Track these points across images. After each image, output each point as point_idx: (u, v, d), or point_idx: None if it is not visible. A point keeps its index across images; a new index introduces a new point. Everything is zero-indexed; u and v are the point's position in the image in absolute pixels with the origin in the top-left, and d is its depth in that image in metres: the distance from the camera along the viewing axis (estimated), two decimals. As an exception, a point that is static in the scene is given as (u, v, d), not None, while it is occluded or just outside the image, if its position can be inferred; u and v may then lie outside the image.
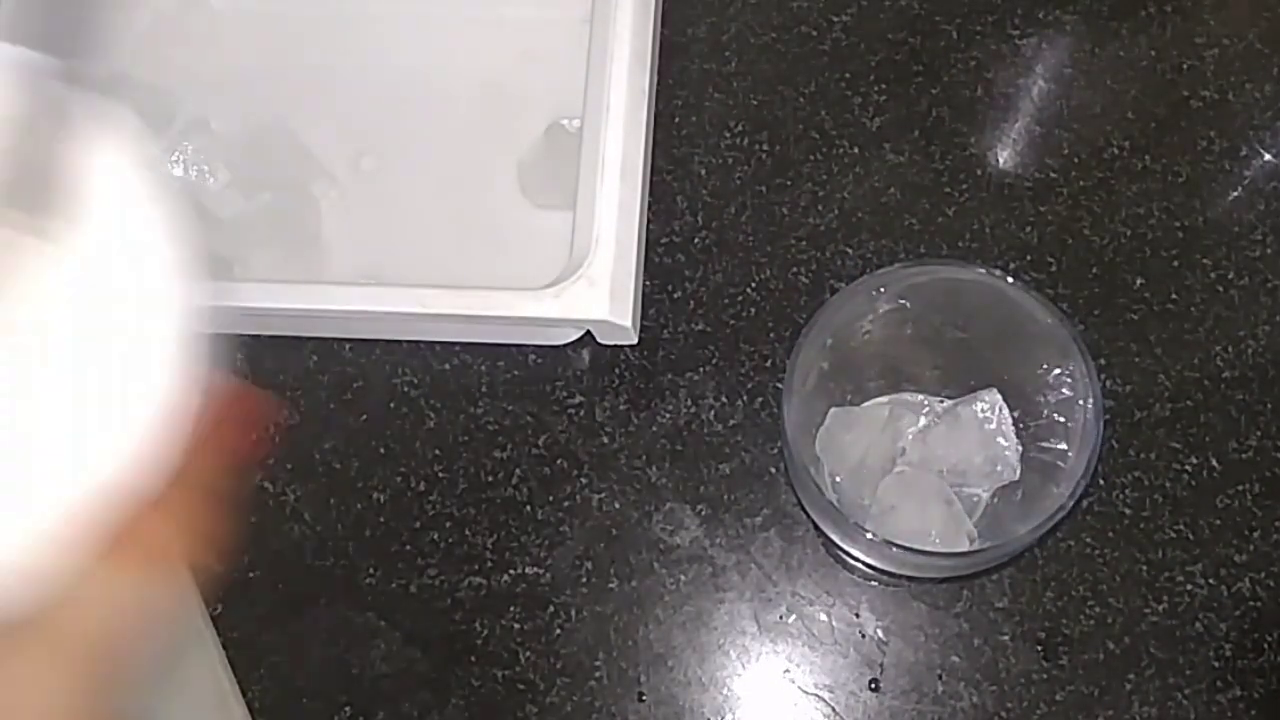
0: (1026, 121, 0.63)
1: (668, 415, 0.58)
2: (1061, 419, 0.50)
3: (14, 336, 0.31)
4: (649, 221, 0.59)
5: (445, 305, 0.52)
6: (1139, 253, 0.60)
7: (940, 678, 0.54)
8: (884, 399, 0.56)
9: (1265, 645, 0.54)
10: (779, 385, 0.51)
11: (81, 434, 0.31)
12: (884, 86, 0.63)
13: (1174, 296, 0.59)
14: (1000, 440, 0.53)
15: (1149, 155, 0.61)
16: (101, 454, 0.30)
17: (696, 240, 0.61)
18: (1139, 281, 0.59)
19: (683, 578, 0.56)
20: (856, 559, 0.53)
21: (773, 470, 0.57)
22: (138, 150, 0.32)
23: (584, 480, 0.57)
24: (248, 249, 0.60)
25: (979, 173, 0.62)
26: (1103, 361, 0.57)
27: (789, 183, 0.62)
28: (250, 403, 0.33)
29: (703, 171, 0.62)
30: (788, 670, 0.54)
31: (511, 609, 0.55)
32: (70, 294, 0.32)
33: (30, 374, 0.31)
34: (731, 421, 0.58)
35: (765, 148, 0.62)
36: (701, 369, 0.59)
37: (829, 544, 0.54)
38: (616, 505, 0.57)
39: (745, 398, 0.58)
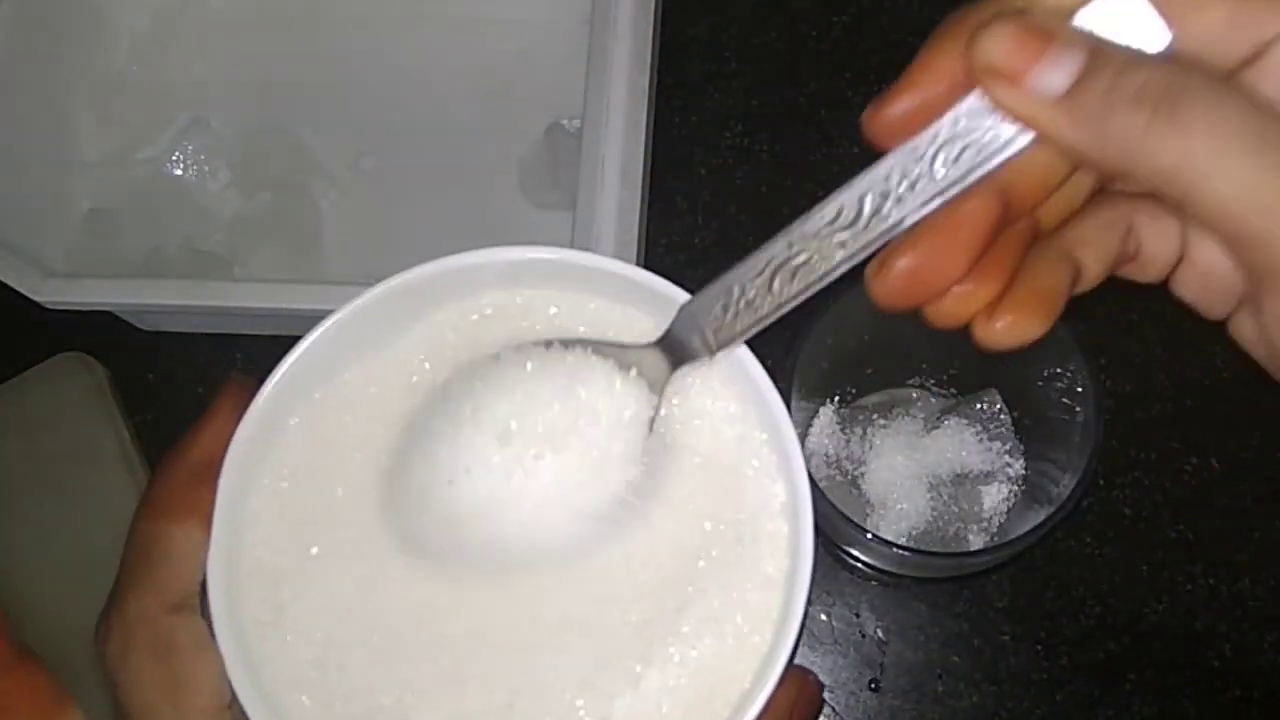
0: (1026, 121, 0.63)
1: (668, 415, 0.58)
2: (1062, 419, 0.50)
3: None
4: (649, 221, 0.59)
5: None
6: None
7: (940, 678, 0.54)
8: (884, 399, 0.56)
9: (1265, 645, 0.54)
10: (779, 385, 0.51)
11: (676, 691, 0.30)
12: (884, 86, 0.63)
13: (1174, 296, 0.59)
14: (1000, 440, 0.53)
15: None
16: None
17: (696, 240, 0.61)
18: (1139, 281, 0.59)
19: (683, 578, 0.56)
20: (856, 559, 0.53)
21: (773, 470, 0.57)
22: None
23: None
24: (248, 249, 0.60)
25: (979, 172, 0.61)
26: (1103, 361, 0.57)
27: (789, 183, 0.62)
28: (816, 692, 0.32)
29: (703, 171, 0.62)
30: (788, 670, 0.54)
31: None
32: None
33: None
34: (731, 421, 0.58)
35: (765, 148, 0.62)
36: (701, 369, 0.59)
37: (828, 544, 0.54)
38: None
39: (745, 398, 0.58)
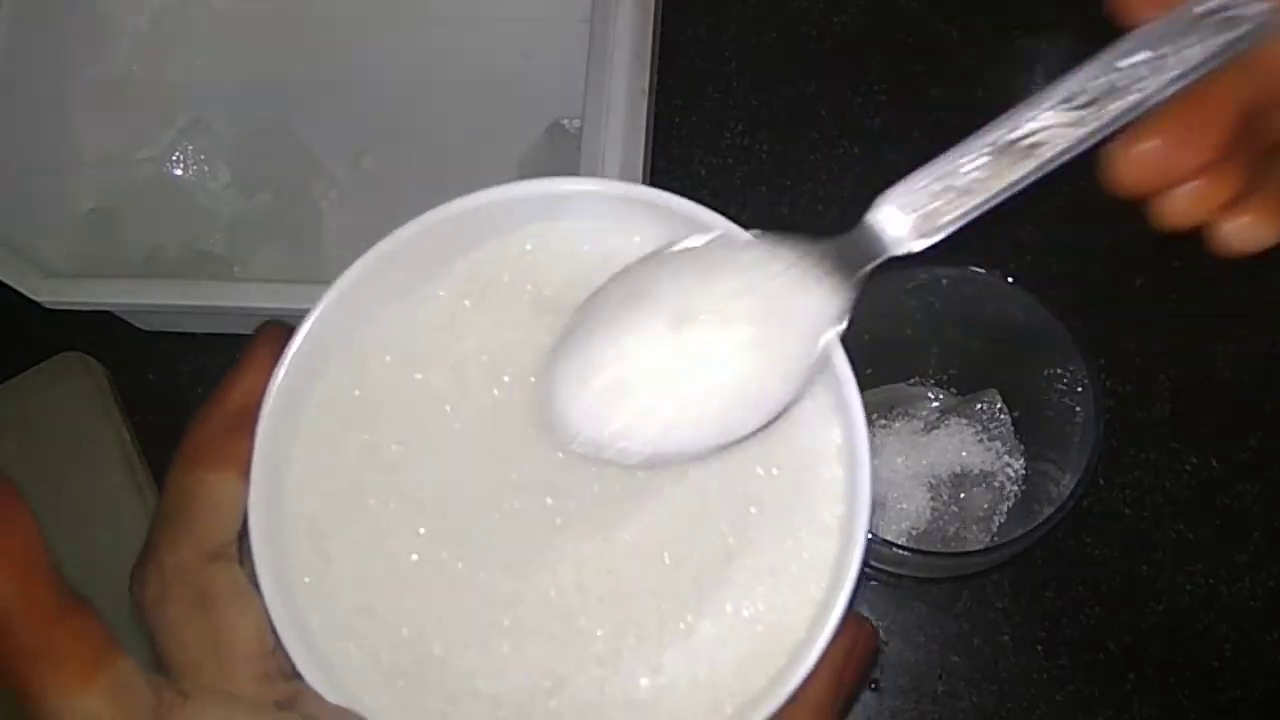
0: (1027, 121, 0.63)
1: (668, 415, 0.58)
2: (1061, 419, 0.49)
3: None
4: (649, 221, 0.59)
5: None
6: (1139, 253, 0.59)
7: (940, 678, 0.54)
8: (884, 397, 0.55)
9: (1265, 645, 0.54)
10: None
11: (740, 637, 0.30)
12: (884, 86, 0.63)
13: (1174, 296, 0.59)
14: (1000, 440, 0.53)
15: (1149, 155, 0.61)
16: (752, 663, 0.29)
17: (696, 240, 0.61)
18: (1139, 281, 0.59)
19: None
20: (856, 559, 0.53)
21: (773, 470, 0.57)
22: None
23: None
24: (248, 249, 0.60)
25: (979, 172, 0.61)
26: (1103, 362, 0.57)
27: (789, 183, 0.62)
28: (872, 640, 0.31)
29: (703, 171, 0.62)
30: (788, 670, 0.54)
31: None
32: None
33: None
34: (731, 421, 0.58)
35: (765, 148, 0.62)
36: (701, 369, 0.58)
37: (829, 544, 0.54)
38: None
39: (745, 398, 0.58)
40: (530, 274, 0.32)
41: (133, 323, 0.59)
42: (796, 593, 0.29)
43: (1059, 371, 0.49)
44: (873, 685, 0.54)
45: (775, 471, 0.31)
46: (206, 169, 0.61)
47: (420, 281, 0.32)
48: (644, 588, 0.30)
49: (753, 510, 0.30)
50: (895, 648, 0.54)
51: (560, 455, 0.31)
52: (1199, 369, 0.58)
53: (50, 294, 0.51)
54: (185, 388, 0.60)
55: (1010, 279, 0.49)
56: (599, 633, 0.30)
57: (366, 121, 0.62)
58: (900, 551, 0.46)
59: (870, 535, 0.45)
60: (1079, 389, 0.48)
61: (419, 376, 0.32)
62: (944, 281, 0.50)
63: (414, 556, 0.30)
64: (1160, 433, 0.57)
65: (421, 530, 0.30)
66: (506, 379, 0.32)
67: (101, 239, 0.59)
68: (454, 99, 0.62)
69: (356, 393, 0.31)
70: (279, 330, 0.30)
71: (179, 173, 0.61)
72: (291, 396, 0.30)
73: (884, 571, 0.54)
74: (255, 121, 0.62)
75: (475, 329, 0.32)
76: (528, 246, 0.32)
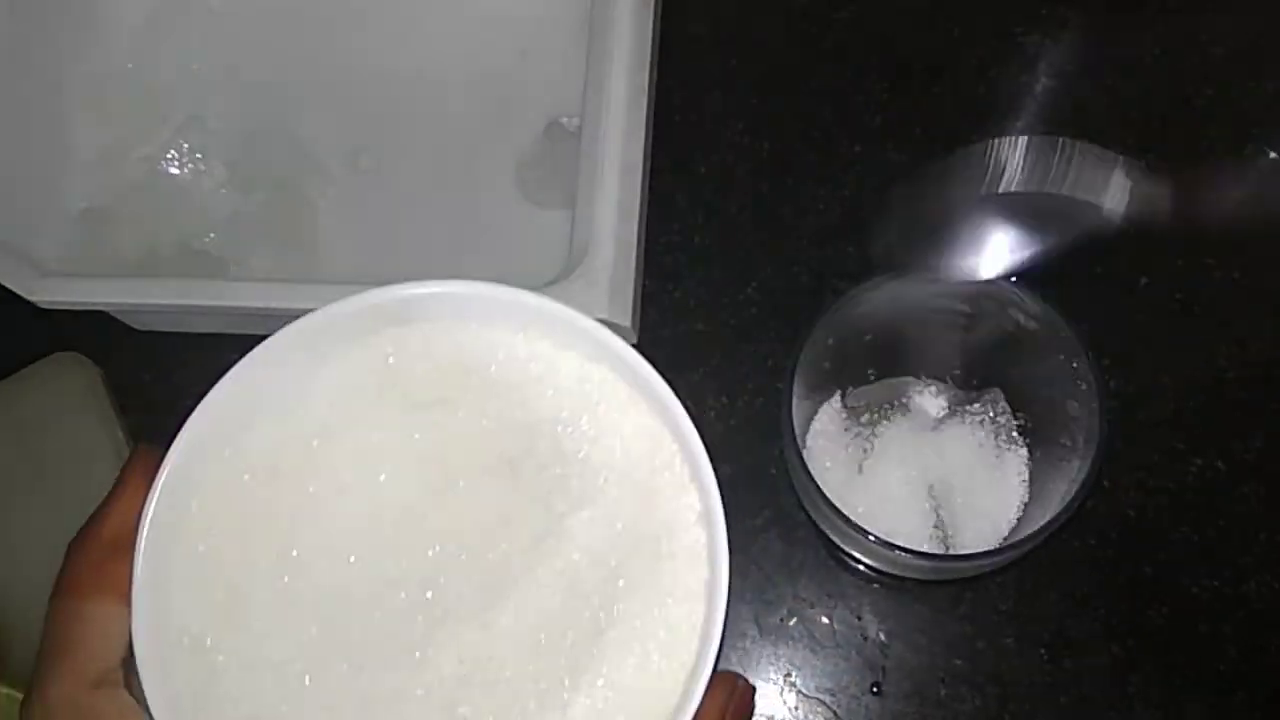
0: (1029, 120, 0.62)
1: (667, 416, 0.57)
2: (1064, 420, 0.49)
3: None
4: (649, 221, 0.59)
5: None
6: (1142, 252, 0.59)
7: (943, 681, 0.54)
8: (887, 399, 0.55)
9: (1270, 647, 0.53)
10: (779, 385, 0.51)
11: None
12: (886, 84, 0.63)
13: (1178, 296, 0.59)
14: (1002, 442, 0.52)
15: (1152, 154, 0.61)
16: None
17: (696, 240, 0.61)
18: (1143, 281, 0.59)
19: (683, 580, 0.55)
20: (858, 561, 0.53)
21: (773, 471, 0.56)
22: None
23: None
24: (243, 248, 0.59)
25: (981, 171, 0.61)
26: (1106, 362, 0.57)
27: (790, 181, 0.61)
28: (747, 695, 0.32)
29: (703, 170, 0.62)
30: (789, 674, 0.54)
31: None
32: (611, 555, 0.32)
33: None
34: (731, 421, 0.57)
35: (766, 146, 0.62)
36: (701, 369, 0.58)
37: (830, 546, 0.54)
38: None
39: (745, 398, 0.58)
40: (393, 377, 0.33)
41: (127, 322, 0.59)
42: (668, 658, 0.30)
43: (1061, 373, 0.49)
44: (875, 689, 0.53)
45: (641, 543, 0.31)
46: (202, 168, 0.61)
47: (286, 395, 0.33)
48: (523, 670, 0.30)
49: (621, 583, 0.31)
50: (897, 651, 0.54)
51: (437, 548, 0.31)
52: (1202, 369, 0.57)
53: (44, 293, 0.51)
54: (180, 388, 0.59)
55: (1013, 278, 0.49)
56: (481, 719, 0.30)
57: (364, 120, 0.62)
58: (902, 554, 0.46)
59: (872, 537, 0.45)
60: (1082, 389, 0.48)
61: (294, 487, 0.32)
62: (946, 283, 0.50)
63: (298, 664, 0.31)
64: (1164, 433, 0.56)
65: (305, 636, 0.31)
66: (382, 478, 0.32)
67: (96, 238, 0.58)
68: (453, 98, 0.62)
69: (233, 508, 0.32)
70: (150, 454, 0.31)
71: (174, 171, 0.61)
72: (167, 518, 0.31)
73: (886, 574, 0.53)
74: (251, 120, 0.62)
75: (347, 435, 0.33)
76: (388, 349, 0.33)
